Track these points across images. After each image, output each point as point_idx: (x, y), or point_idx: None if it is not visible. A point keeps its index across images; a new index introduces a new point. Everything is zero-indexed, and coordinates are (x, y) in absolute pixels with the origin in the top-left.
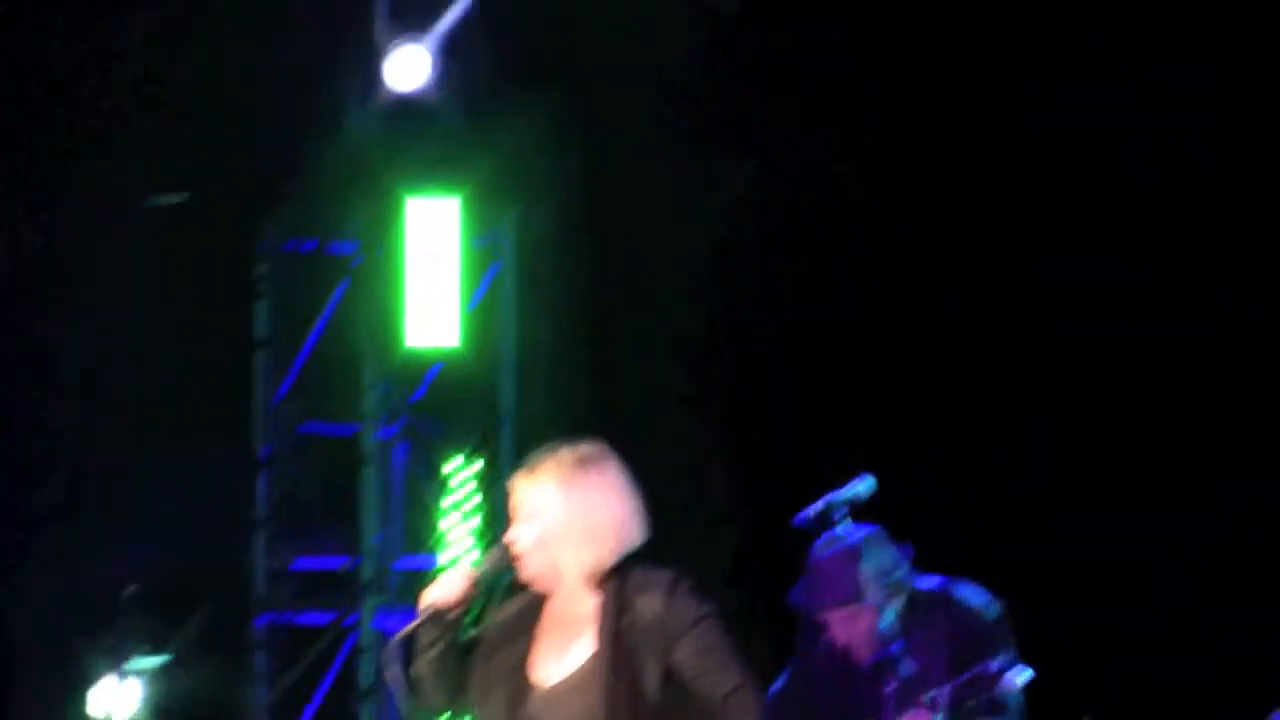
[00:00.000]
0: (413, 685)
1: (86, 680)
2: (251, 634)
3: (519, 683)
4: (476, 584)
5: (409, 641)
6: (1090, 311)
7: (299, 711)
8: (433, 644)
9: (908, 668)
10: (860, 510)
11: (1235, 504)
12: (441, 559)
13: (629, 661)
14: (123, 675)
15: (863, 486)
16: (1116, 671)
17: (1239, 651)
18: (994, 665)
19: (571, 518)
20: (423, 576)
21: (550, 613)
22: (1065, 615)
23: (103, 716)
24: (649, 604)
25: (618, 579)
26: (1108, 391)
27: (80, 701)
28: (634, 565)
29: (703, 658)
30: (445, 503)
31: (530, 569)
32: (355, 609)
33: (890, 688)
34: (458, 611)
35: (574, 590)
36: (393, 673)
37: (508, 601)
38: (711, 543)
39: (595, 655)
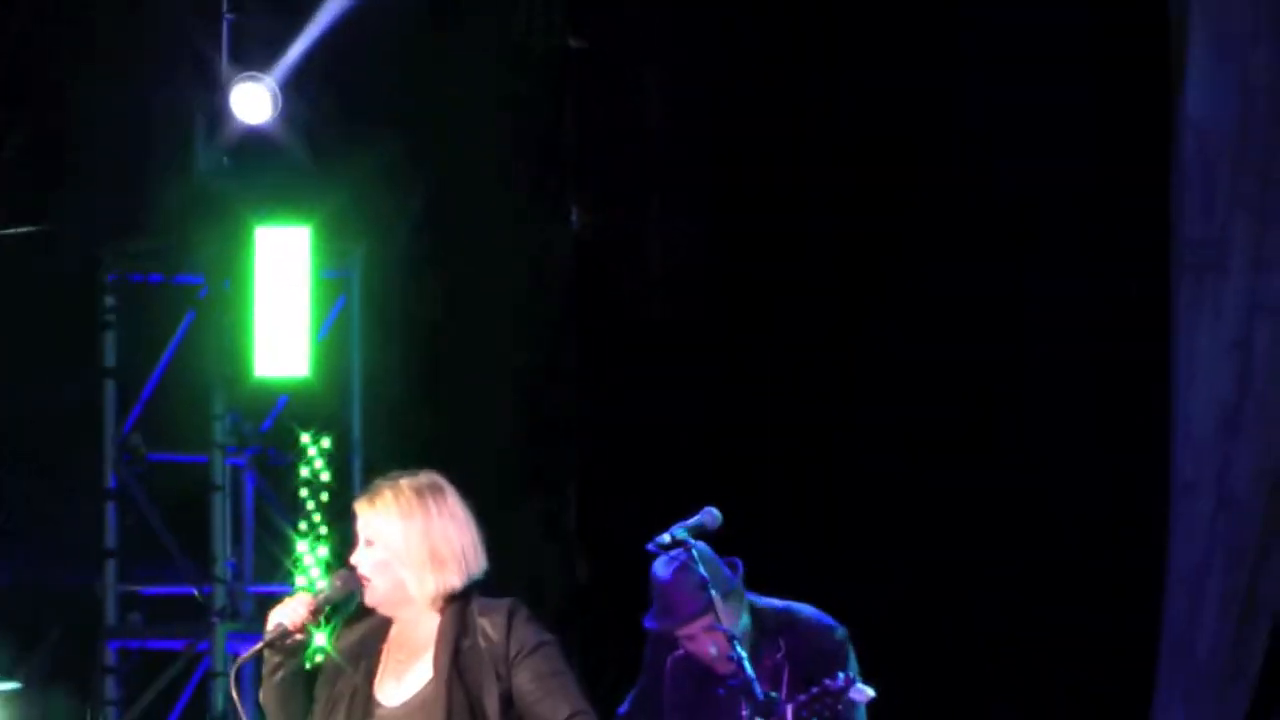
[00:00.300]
0: (260, 711)
1: None
2: (103, 660)
3: (361, 705)
4: (319, 608)
5: (253, 664)
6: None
7: None
8: (276, 669)
9: (759, 690)
10: (707, 539)
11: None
12: (294, 585)
13: (468, 684)
14: None
15: (708, 518)
16: (968, 687)
17: (1098, 661)
18: (839, 680)
19: (411, 545)
20: (274, 602)
21: (394, 637)
22: (909, 641)
23: None
24: (490, 628)
25: (460, 604)
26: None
27: None
28: (475, 592)
29: (541, 683)
30: (296, 530)
31: (373, 594)
32: (207, 636)
33: (744, 712)
34: (302, 636)
35: (417, 615)
36: (234, 695)
37: (352, 627)
38: (559, 573)
39: (434, 678)
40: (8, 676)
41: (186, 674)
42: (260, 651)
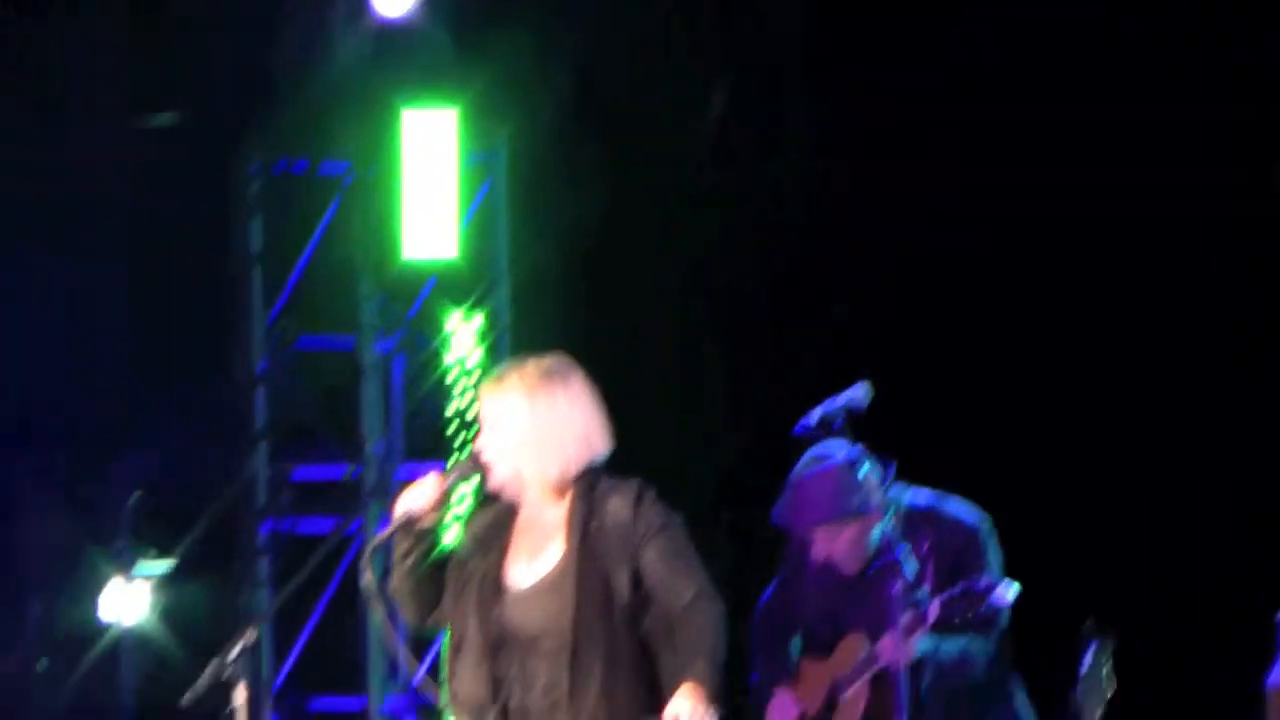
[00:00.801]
0: (392, 597)
1: (96, 586)
2: (254, 542)
3: (491, 588)
4: (445, 493)
5: (385, 552)
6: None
7: (304, 617)
8: (406, 555)
9: (911, 568)
10: (858, 417)
11: (1230, 406)
12: (445, 467)
13: (598, 563)
14: (129, 580)
15: (859, 393)
16: (1117, 577)
17: (1242, 551)
18: (983, 581)
19: (536, 428)
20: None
21: (522, 520)
22: (1058, 527)
23: (112, 621)
24: (617, 509)
25: (585, 486)
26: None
27: (91, 606)
28: (602, 474)
29: (666, 564)
30: (444, 411)
31: (498, 478)
32: (358, 517)
33: (895, 588)
34: (430, 520)
35: (542, 498)
36: (367, 580)
37: (483, 512)
38: (706, 458)
39: (565, 558)
40: (161, 559)
41: (337, 555)
42: (390, 537)
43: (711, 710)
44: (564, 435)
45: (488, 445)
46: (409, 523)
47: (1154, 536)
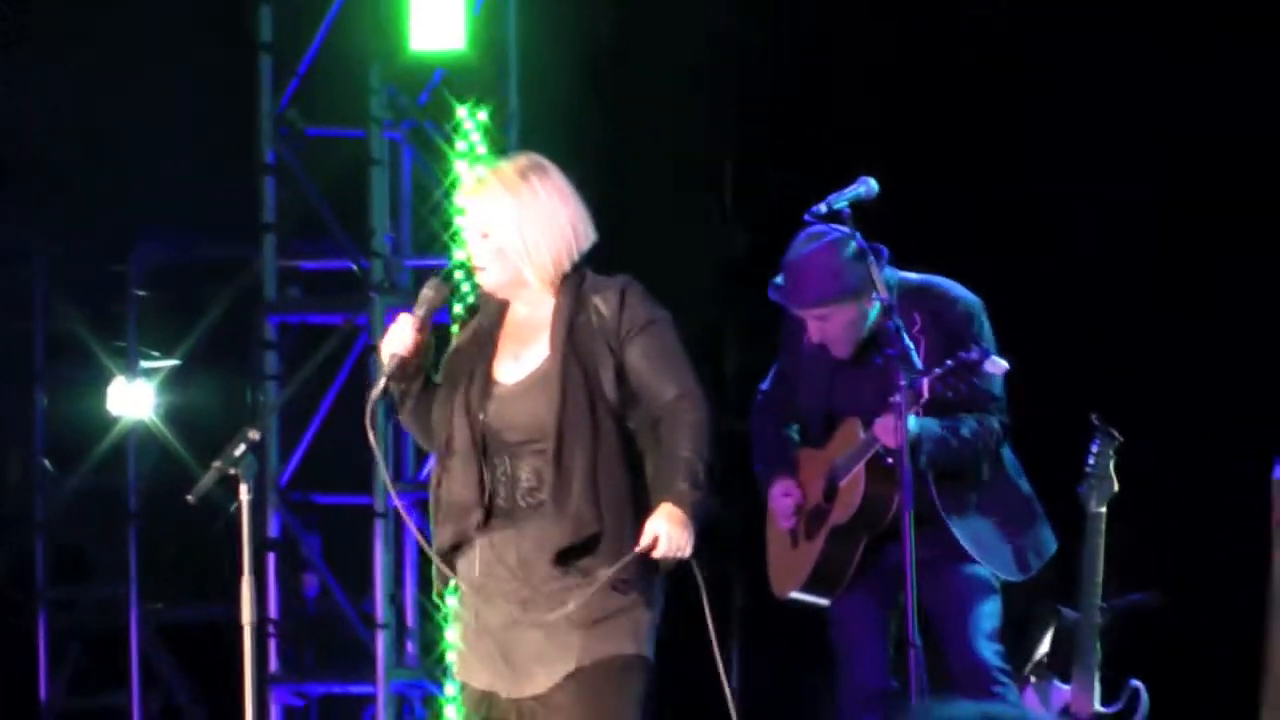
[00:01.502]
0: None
1: (103, 381)
2: (262, 334)
3: (479, 388)
4: (424, 323)
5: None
6: None
7: (313, 409)
8: (405, 396)
9: (917, 359)
10: (864, 211)
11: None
12: (450, 259)
13: (583, 359)
14: (134, 377)
15: (864, 188)
16: (1123, 376)
17: (1252, 348)
18: (974, 352)
19: (520, 224)
20: (431, 275)
21: (511, 319)
22: (1059, 318)
23: (119, 415)
24: (602, 305)
25: (573, 284)
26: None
27: (100, 399)
28: (589, 269)
29: (650, 361)
30: (453, 203)
31: (489, 280)
32: (365, 309)
33: (903, 378)
34: (417, 356)
35: (533, 296)
36: (371, 438)
37: (471, 315)
38: (715, 248)
39: (550, 356)
40: (168, 353)
41: (345, 347)
42: (387, 385)
43: (689, 527)
44: (549, 229)
45: (475, 251)
46: (399, 368)
47: (1160, 336)
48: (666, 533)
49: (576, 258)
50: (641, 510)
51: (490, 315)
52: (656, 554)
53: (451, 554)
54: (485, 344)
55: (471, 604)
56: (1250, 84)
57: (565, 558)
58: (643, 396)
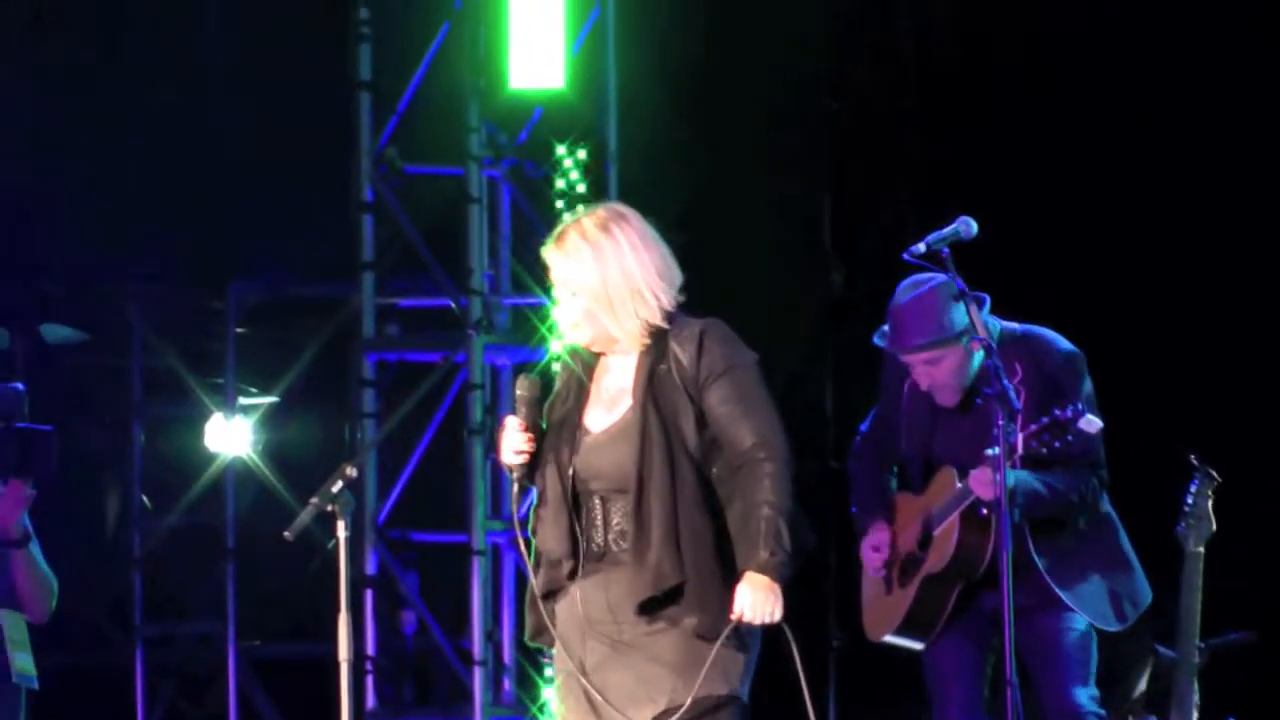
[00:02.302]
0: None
1: (201, 418)
2: (360, 372)
3: (569, 437)
4: (527, 424)
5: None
6: None
7: (411, 447)
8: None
9: (1015, 399)
10: (963, 250)
11: None
12: (550, 298)
13: (663, 408)
14: (232, 413)
15: (963, 226)
16: (1221, 419)
17: None
18: (1068, 410)
19: (608, 284)
20: (531, 314)
21: (602, 367)
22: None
23: (218, 452)
24: (681, 352)
25: (659, 330)
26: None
27: (198, 436)
28: (678, 316)
29: (729, 407)
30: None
31: (582, 338)
32: (464, 347)
33: (1000, 417)
34: (532, 450)
35: (627, 347)
36: (523, 552)
37: (568, 365)
38: (812, 290)
39: (633, 405)
40: (266, 390)
41: (443, 385)
42: (523, 485)
43: (774, 591)
44: (633, 285)
45: (564, 311)
46: (522, 471)
47: (1256, 375)
48: (751, 603)
49: (664, 306)
50: (728, 556)
51: (585, 363)
52: (746, 622)
53: (547, 599)
54: (579, 393)
55: (566, 647)
56: None
57: (649, 607)
58: (723, 443)
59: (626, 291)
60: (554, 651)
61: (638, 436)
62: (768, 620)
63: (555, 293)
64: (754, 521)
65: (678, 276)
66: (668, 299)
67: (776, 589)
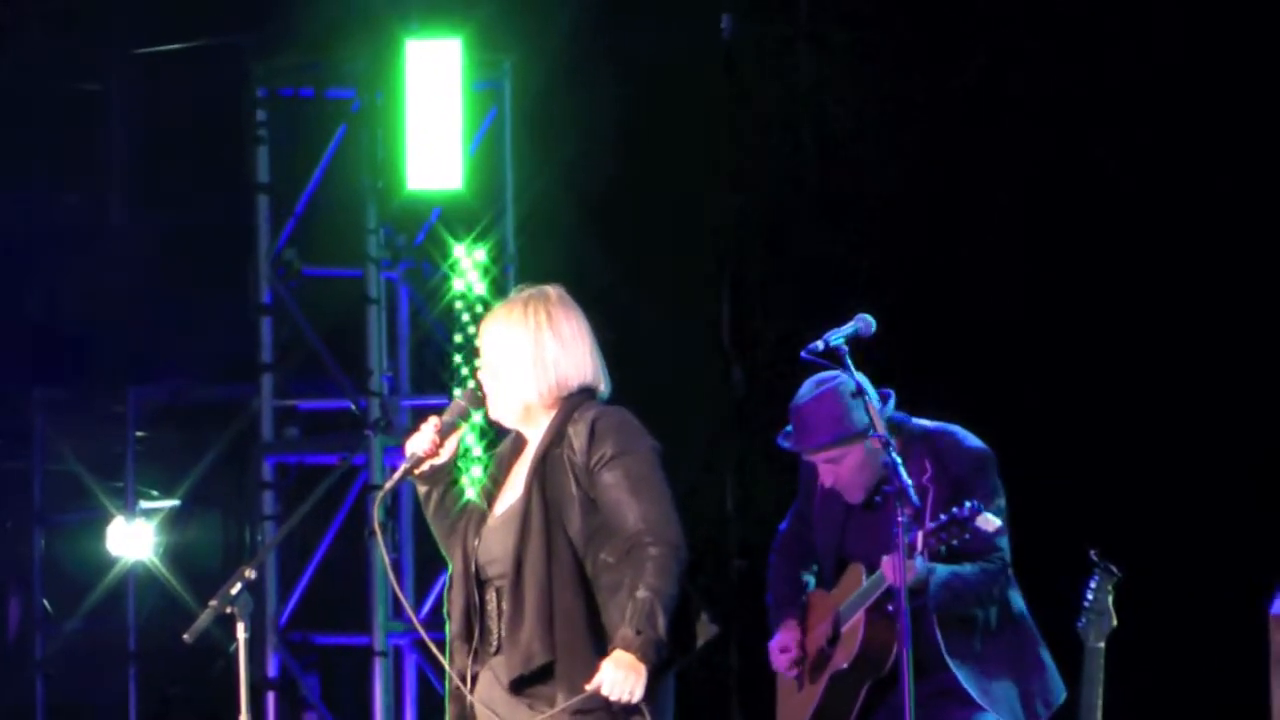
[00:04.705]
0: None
1: (103, 521)
2: (259, 475)
3: (477, 520)
4: (445, 429)
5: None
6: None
7: (311, 551)
8: (428, 497)
9: (915, 496)
10: (861, 347)
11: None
12: (450, 397)
13: (548, 492)
14: (133, 517)
15: (862, 324)
16: (1119, 513)
17: (1245, 486)
18: (965, 509)
19: (516, 357)
20: (430, 414)
21: (524, 450)
22: (1061, 464)
23: (118, 556)
24: (575, 436)
25: (563, 414)
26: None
27: (99, 540)
28: (585, 402)
29: (618, 491)
30: (451, 343)
31: (493, 408)
32: (364, 449)
33: (900, 514)
34: (438, 459)
35: (538, 428)
36: (375, 527)
37: (501, 446)
38: (716, 380)
39: (524, 490)
40: (167, 493)
41: (343, 487)
42: (400, 482)
43: (637, 670)
44: (540, 360)
45: (484, 377)
46: (415, 464)
47: (1156, 472)
48: (611, 680)
49: (568, 390)
50: (603, 640)
51: (511, 445)
52: (603, 695)
53: (466, 684)
54: (498, 475)
55: None
56: None
57: (519, 687)
58: (612, 527)
59: (530, 364)
60: None
61: (520, 520)
62: (626, 699)
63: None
64: (632, 602)
65: (591, 372)
66: (577, 382)
67: (640, 669)
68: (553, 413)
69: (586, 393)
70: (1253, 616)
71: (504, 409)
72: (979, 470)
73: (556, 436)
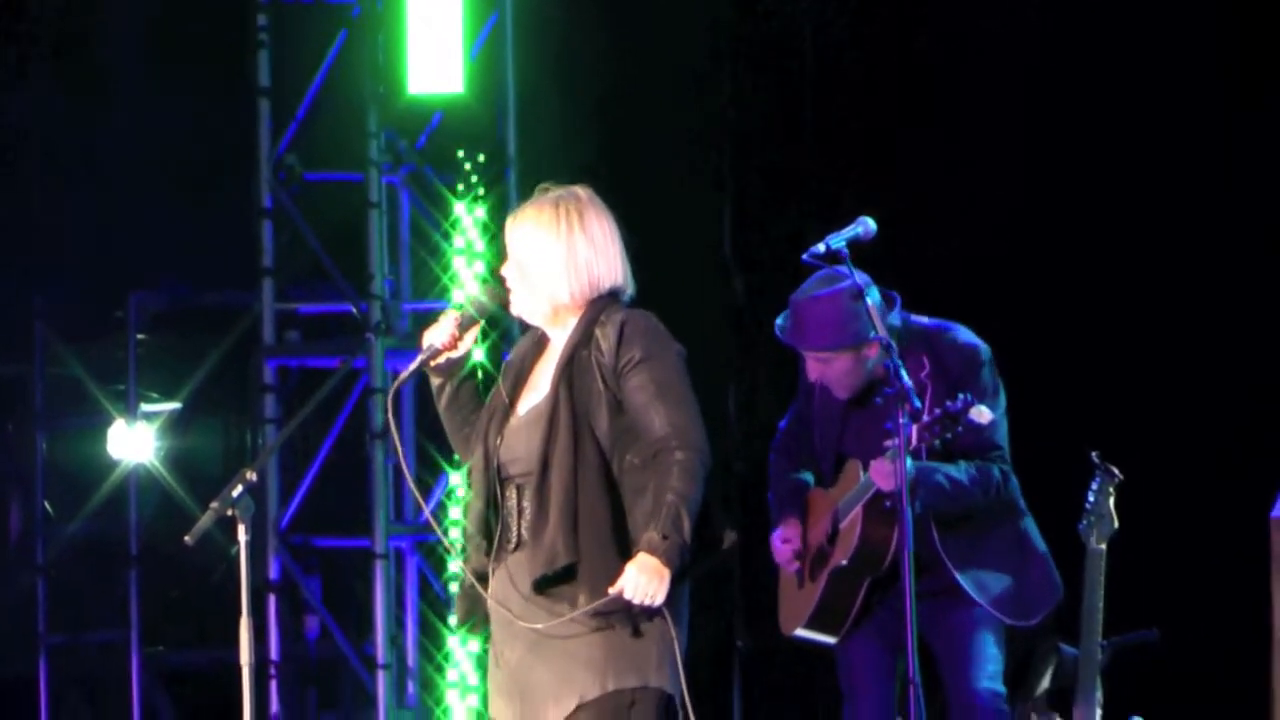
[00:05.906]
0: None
1: (104, 425)
2: (261, 378)
3: (499, 419)
4: (466, 323)
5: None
6: None
7: (313, 454)
8: (441, 390)
9: (915, 399)
10: (862, 250)
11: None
12: (450, 301)
13: (575, 393)
14: (134, 420)
15: (863, 228)
16: (1124, 414)
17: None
18: (958, 402)
19: (546, 255)
20: (431, 319)
21: (547, 350)
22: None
23: (120, 459)
24: (603, 339)
25: (590, 316)
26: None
27: (100, 444)
28: (615, 305)
29: (643, 393)
30: (452, 246)
31: (517, 306)
32: (364, 352)
33: (900, 416)
34: (455, 353)
35: (563, 328)
36: (389, 417)
37: (518, 344)
38: (716, 288)
39: (550, 389)
40: (168, 397)
41: (344, 391)
42: (416, 372)
43: (660, 574)
44: (570, 262)
45: (508, 274)
46: (432, 355)
47: (1158, 375)
48: (633, 580)
49: (596, 294)
50: (628, 543)
51: (533, 343)
52: (625, 599)
53: (480, 583)
54: (520, 374)
55: (493, 637)
56: None
57: (541, 586)
58: (638, 431)
59: (560, 264)
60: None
61: (546, 419)
62: (647, 602)
63: (504, 259)
64: (656, 505)
65: (619, 271)
66: (602, 284)
67: (664, 573)
68: (580, 314)
69: (614, 295)
70: (1254, 519)
71: (531, 308)
72: (974, 366)
73: (584, 338)
